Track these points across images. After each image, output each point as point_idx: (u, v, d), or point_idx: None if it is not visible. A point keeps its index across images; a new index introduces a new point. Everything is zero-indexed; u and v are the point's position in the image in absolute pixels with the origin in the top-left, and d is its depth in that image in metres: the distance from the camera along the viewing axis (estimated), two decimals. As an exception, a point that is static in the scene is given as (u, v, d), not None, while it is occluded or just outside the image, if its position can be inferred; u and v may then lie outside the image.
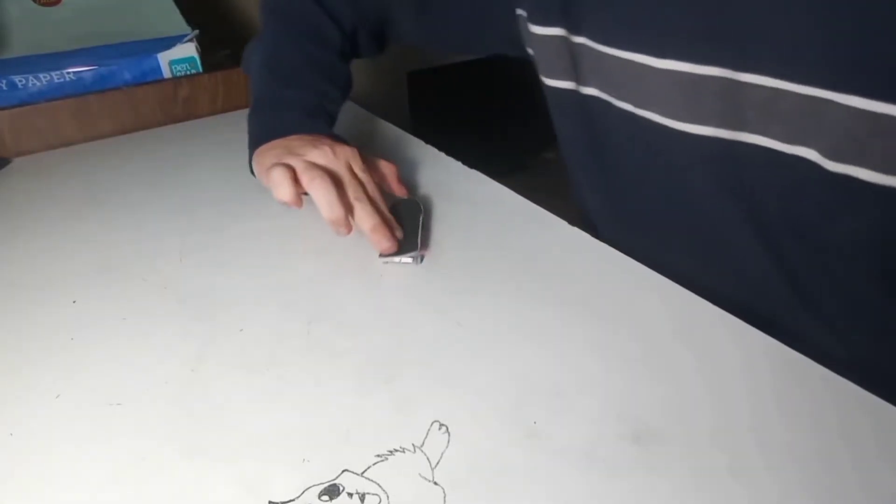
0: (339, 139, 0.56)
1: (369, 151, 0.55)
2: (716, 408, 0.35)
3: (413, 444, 0.34)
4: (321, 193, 0.49)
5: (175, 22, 0.85)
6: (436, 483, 0.31)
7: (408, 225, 0.53)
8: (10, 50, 0.79)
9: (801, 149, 0.40)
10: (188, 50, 0.83)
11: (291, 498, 0.31)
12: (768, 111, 0.41)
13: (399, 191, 0.57)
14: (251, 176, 0.59)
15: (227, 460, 0.33)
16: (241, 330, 0.43)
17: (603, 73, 0.50)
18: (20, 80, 0.75)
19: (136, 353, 0.41)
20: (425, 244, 0.52)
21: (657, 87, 0.46)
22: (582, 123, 0.55)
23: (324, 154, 0.51)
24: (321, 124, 0.57)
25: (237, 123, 0.81)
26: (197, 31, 0.84)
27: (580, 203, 0.63)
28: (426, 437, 0.34)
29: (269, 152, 0.54)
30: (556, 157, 0.63)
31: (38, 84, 0.76)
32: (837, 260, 0.43)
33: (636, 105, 0.49)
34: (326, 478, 0.32)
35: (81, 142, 0.77)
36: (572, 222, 0.54)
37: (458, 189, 0.61)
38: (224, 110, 0.84)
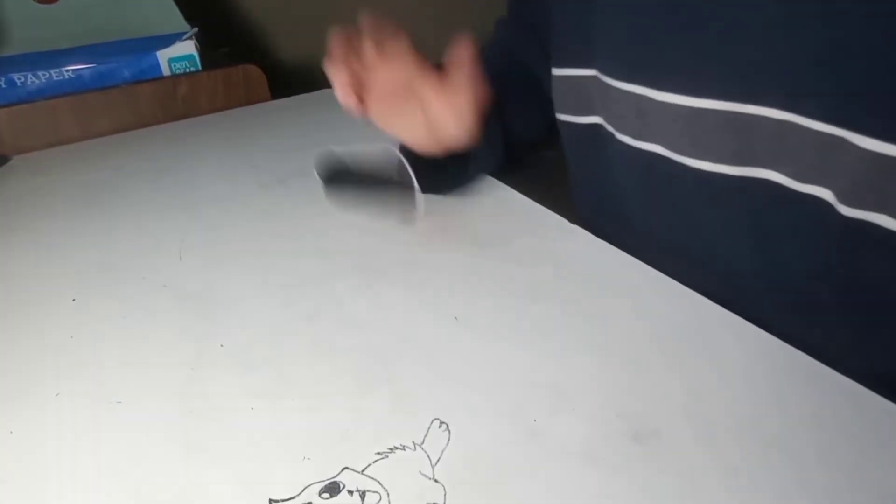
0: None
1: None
2: (716, 406, 0.35)
3: (413, 442, 0.33)
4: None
5: (174, 19, 0.85)
6: (436, 480, 0.31)
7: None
8: (10, 48, 0.79)
9: (814, 188, 0.38)
10: (187, 48, 0.83)
11: (292, 496, 0.31)
12: (778, 146, 0.39)
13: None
14: (251, 174, 0.58)
15: (227, 458, 0.33)
16: (241, 328, 0.43)
17: (609, 106, 0.51)
18: (19, 78, 0.75)
19: (136, 351, 0.41)
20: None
21: (659, 120, 0.45)
22: (590, 155, 0.56)
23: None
24: None
25: (236, 121, 0.81)
26: (196, 29, 0.84)
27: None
28: (426, 435, 0.34)
29: None
30: (556, 155, 0.63)
31: (38, 82, 0.76)
32: (860, 295, 0.40)
33: (637, 137, 0.48)
34: (327, 475, 0.32)
35: (80, 140, 0.77)
36: (572, 220, 0.54)
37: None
38: (223, 108, 0.84)
